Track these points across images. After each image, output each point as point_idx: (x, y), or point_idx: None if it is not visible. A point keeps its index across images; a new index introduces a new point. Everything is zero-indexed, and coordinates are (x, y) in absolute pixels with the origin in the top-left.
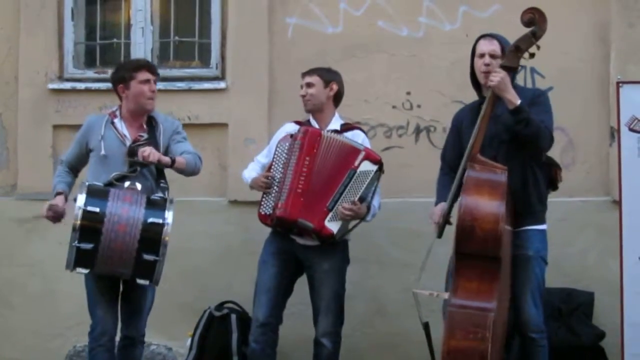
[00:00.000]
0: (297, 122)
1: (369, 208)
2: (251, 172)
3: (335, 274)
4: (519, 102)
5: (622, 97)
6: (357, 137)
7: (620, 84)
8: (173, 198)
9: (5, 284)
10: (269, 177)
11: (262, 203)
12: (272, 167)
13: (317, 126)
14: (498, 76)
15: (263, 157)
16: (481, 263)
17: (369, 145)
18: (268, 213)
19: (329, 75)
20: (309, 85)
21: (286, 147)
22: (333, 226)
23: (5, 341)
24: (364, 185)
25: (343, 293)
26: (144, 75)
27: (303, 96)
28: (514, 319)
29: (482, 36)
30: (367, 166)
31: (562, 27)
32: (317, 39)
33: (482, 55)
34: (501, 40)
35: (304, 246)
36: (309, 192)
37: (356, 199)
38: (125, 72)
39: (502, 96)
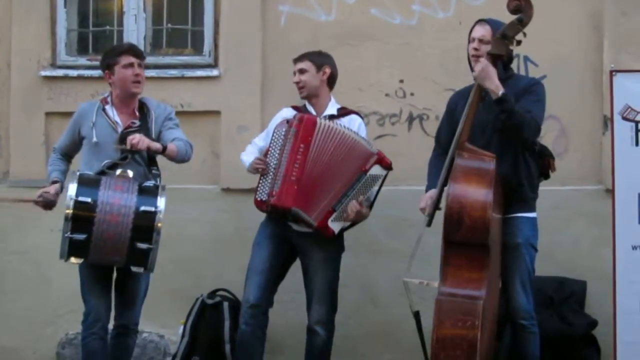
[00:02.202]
0: (294, 107)
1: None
2: (249, 155)
3: (330, 263)
4: (501, 92)
5: (616, 86)
6: (353, 122)
7: (614, 73)
8: (165, 185)
9: None
10: (263, 162)
11: (259, 189)
12: (269, 152)
13: (313, 112)
14: (479, 65)
15: (260, 140)
16: (470, 251)
17: (364, 131)
18: (264, 199)
19: (320, 59)
20: (301, 71)
21: (282, 133)
22: (335, 226)
23: None
24: (371, 189)
25: (337, 281)
26: (127, 59)
27: (297, 83)
28: (504, 306)
29: (478, 21)
30: (377, 170)
31: (555, 15)
32: (310, 26)
33: (473, 40)
34: (493, 25)
35: (299, 233)
36: (304, 180)
37: (362, 199)
38: (109, 59)
39: (484, 86)
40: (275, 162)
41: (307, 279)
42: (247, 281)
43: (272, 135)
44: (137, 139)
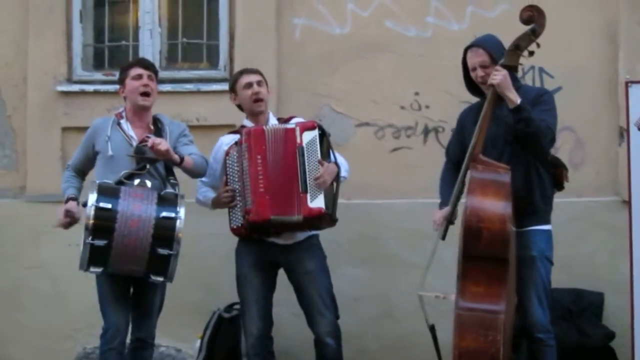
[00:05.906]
0: (233, 132)
1: (337, 165)
2: (207, 192)
3: (323, 271)
4: (519, 100)
5: (631, 97)
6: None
7: (629, 84)
8: (184, 194)
9: (14, 286)
10: (230, 190)
11: (231, 218)
12: (228, 181)
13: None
14: (500, 74)
15: (205, 178)
16: (489, 265)
17: None
18: (240, 225)
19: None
20: (260, 84)
21: (235, 157)
22: (318, 203)
23: (14, 343)
24: (317, 152)
25: (332, 287)
26: (135, 71)
27: (256, 94)
28: (520, 320)
29: (468, 48)
30: (309, 136)
31: (570, 26)
32: (325, 39)
33: (474, 69)
34: (487, 47)
35: (283, 247)
36: (272, 187)
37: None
38: (122, 73)
39: (504, 94)
40: (238, 186)
41: (301, 293)
42: (245, 313)
43: (226, 164)
44: (159, 140)
